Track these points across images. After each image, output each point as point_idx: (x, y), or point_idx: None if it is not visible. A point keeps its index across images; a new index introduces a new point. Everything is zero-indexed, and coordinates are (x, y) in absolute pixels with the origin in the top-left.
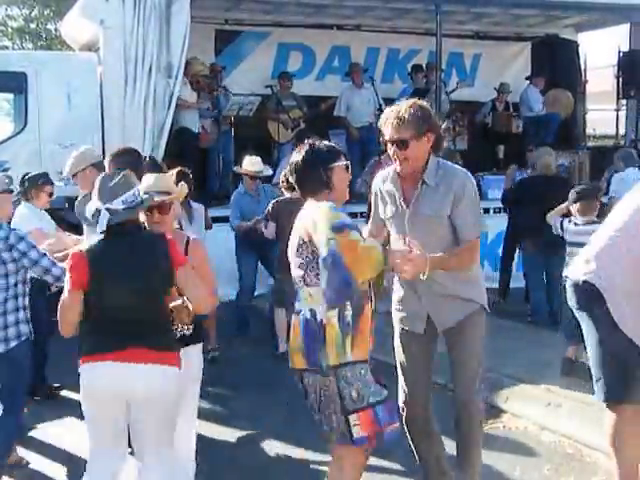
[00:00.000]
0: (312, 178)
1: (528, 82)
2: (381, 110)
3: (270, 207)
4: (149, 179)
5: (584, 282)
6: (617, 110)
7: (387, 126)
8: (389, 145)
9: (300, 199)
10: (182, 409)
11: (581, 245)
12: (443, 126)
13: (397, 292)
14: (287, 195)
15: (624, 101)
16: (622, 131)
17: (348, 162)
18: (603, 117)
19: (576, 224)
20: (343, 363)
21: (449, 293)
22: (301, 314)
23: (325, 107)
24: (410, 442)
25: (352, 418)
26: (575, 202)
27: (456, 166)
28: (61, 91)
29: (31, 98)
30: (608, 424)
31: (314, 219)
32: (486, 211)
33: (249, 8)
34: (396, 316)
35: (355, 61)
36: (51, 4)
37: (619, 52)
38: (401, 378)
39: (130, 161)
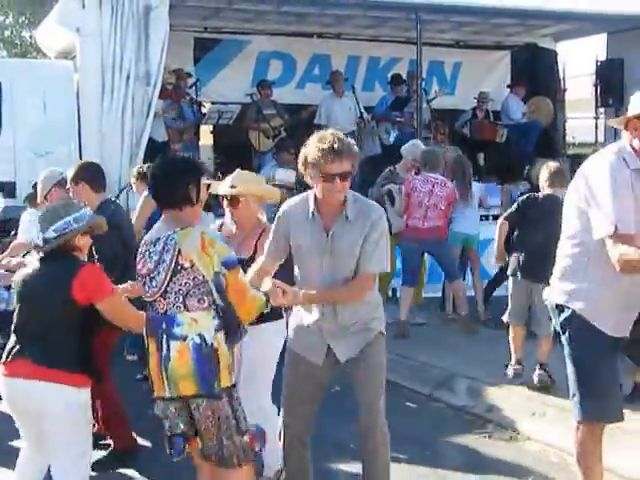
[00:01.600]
0: (181, 192)
1: (509, 90)
2: (362, 118)
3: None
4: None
5: (557, 305)
6: (596, 118)
7: (327, 160)
8: (326, 179)
9: None
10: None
11: None
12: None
13: (297, 321)
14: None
15: (602, 109)
16: (601, 139)
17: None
18: (582, 125)
19: None
20: (232, 385)
21: (352, 325)
22: (189, 340)
23: (306, 115)
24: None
25: (247, 437)
26: None
27: (370, 202)
28: (36, 99)
29: (5, 106)
30: (576, 440)
31: (200, 246)
32: None
33: (228, 16)
34: (294, 343)
35: (336, 69)
36: (26, 11)
37: (597, 61)
38: (287, 403)
39: (87, 175)
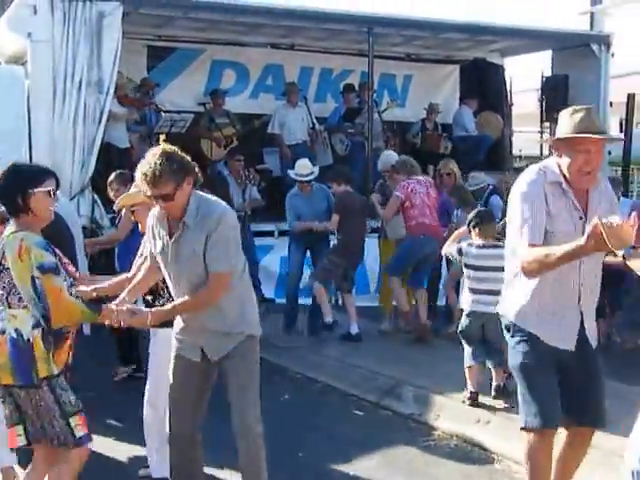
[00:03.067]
0: (11, 202)
1: (461, 103)
2: (314, 129)
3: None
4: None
5: (499, 315)
6: (541, 132)
7: (144, 184)
8: (151, 198)
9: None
10: None
11: (484, 269)
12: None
13: (178, 323)
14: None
15: (547, 124)
16: (546, 152)
17: (52, 187)
18: (528, 139)
19: (478, 246)
20: (51, 375)
21: (215, 329)
22: (7, 333)
23: (258, 125)
24: (170, 457)
25: (73, 420)
26: (475, 226)
27: (215, 204)
28: None
29: None
30: (525, 448)
31: (17, 252)
32: None
33: (182, 25)
34: (176, 343)
35: (289, 80)
36: None
37: (542, 77)
38: (171, 400)
39: None
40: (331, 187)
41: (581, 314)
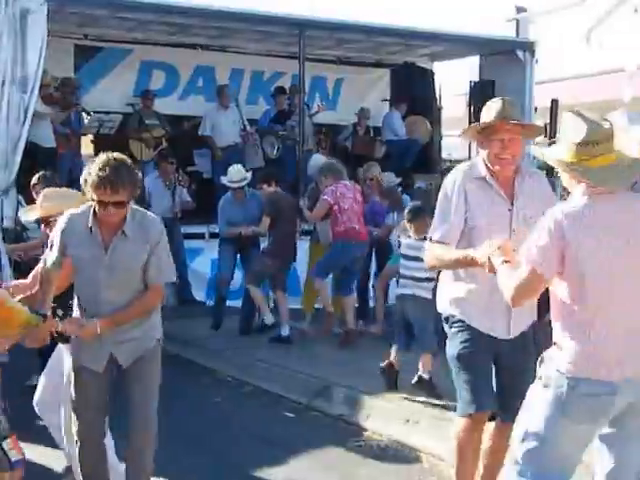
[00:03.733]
0: None
1: (390, 107)
2: (245, 131)
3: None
4: None
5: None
6: None
7: (102, 189)
8: (100, 205)
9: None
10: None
11: (410, 258)
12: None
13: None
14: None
15: None
16: (474, 156)
17: None
18: (457, 142)
19: (410, 238)
20: None
21: (132, 337)
22: None
23: (188, 127)
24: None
25: (6, 444)
26: (409, 222)
27: (147, 214)
28: None
29: None
30: (454, 434)
31: None
32: None
33: (110, 24)
34: (76, 353)
35: (220, 81)
36: None
37: (470, 82)
38: (75, 411)
39: None
40: (261, 188)
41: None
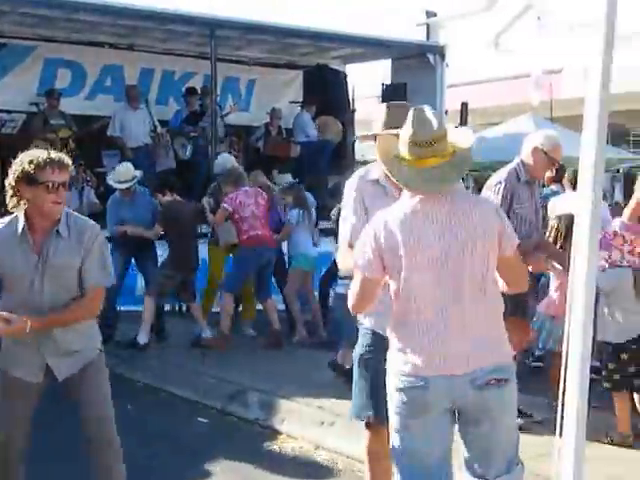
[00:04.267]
0: None
1: (301, 108)
2: (156, 132)
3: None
4: None
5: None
6: None
7: (51, 169)
8: (49, 188)
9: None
10: None
11: None
12: None
13: (9, 341)
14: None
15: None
16: None
17: None
18: (371, 144)
19: None
20: None
21: (69, 347)
22: None
23: (96, 127)
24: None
25: None
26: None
27: (84, 217)
28: None
29: None
30: (365, 444)
31: None
32: None
33: (12, 20)
34: (7, 363)
35: (129, 81)
36: None
37: (382, 84)
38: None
39: None
40: (156, 198)
41: None
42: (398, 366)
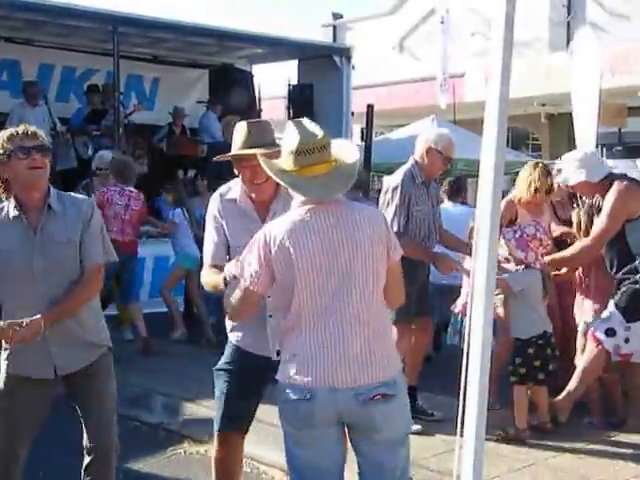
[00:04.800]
0: None
1: (207, 108)
2: (56, 130)
3: None
4: None
5: None
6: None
7: (19, 138)
8: (20, 155)
9: None
10: None
11: None
12: None
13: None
14: None
15: None
16: None
17: None
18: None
19: None
20: None
21: (78, 336)
22: None
23: None
24: None
25: None
26: None
27: (80, 195)
28: None
29: None
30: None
31: None
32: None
33: None
34: (12, 360)
35: (26, 77)
36: None
37: (289, 85)
38: (5, 427)
39: None
40: None
41: None
42: (286, 378)
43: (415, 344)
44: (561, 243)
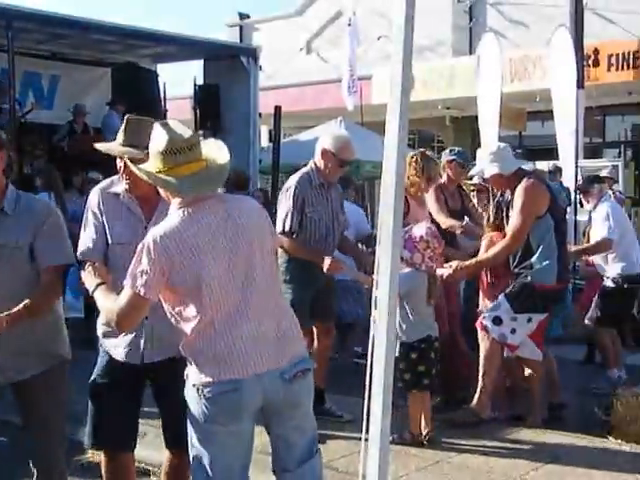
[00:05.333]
0: None
1: (110, 107)
2: None
3: None
4: None
5: None
6: None
7: None
8: None
9: None
10: None
11: None
12: None
13: None
14: None
15: (202, 131)
16: None
17: None
18: None
19: None
20: None
21: (28, 345)
22: None
23: None
24: None
25: None
26: None
27: (38, 197)
28: None
29: None
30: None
31: None
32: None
33: None
34: None
35: None
36: None
37: (195, 85)
38: None
39: None
40: None
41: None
42: (206, 378)
43: (319, 348)
44: (447, 235)
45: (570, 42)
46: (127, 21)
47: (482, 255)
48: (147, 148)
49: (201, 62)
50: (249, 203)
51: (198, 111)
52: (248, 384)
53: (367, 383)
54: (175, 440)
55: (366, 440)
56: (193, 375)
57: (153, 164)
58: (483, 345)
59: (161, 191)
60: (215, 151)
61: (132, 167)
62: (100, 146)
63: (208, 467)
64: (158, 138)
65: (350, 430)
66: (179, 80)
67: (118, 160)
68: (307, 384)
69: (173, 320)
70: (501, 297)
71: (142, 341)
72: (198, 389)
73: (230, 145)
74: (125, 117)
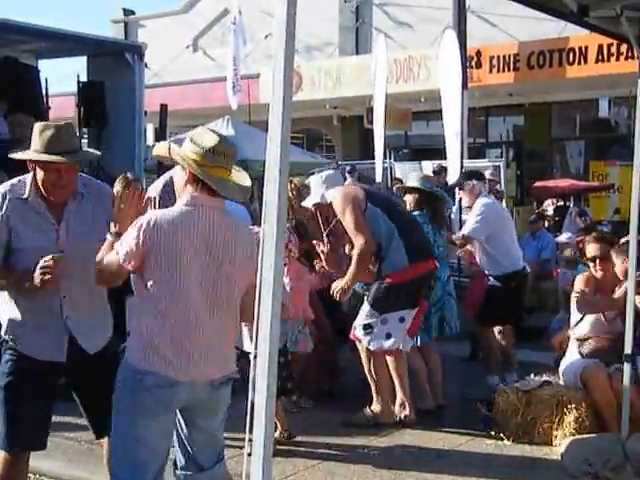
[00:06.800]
0: None
1: None
2: None
3: None
4: None
5: None
6: (80, 138)
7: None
8: None
9: None
10: None
11: None
12: None
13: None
14: None
15: (85, 129)
16: None
17: None
18: None
19: None
20: None
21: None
22: None
23: None
24: None
25: None
26: None
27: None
28: None
29: None
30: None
31: None
32: None
33: None
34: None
35: None
36: None
37: (79, 82)
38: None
39: None
40: None
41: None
42: (145, 364)
43: None
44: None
45: (457, 44)
46: (10, 16)
47: (349, 274)
48: (78, 151)
49: (85, 58)
50: (243, 226)
51: (82, 108)
52: (183, 386)
53: (250, 383)
54: (109, 427)
55: (250, 440)
56: (135, 354)
57: (193, 153)
58: (364, 356)
59: (181, 182)
60: (241, 175)
61: (174, 150)
62: (20, 155)
63: (131, 449)
64: (208, 135)
65: (234, 429)
66: (63, 76)
67: (44, 169)
68: (228, 390)
69: (138, 299)
70: (365, 305)
71: (65, 338)
72: (136, 371)
73: (115, 143)
74: (40, 124)
